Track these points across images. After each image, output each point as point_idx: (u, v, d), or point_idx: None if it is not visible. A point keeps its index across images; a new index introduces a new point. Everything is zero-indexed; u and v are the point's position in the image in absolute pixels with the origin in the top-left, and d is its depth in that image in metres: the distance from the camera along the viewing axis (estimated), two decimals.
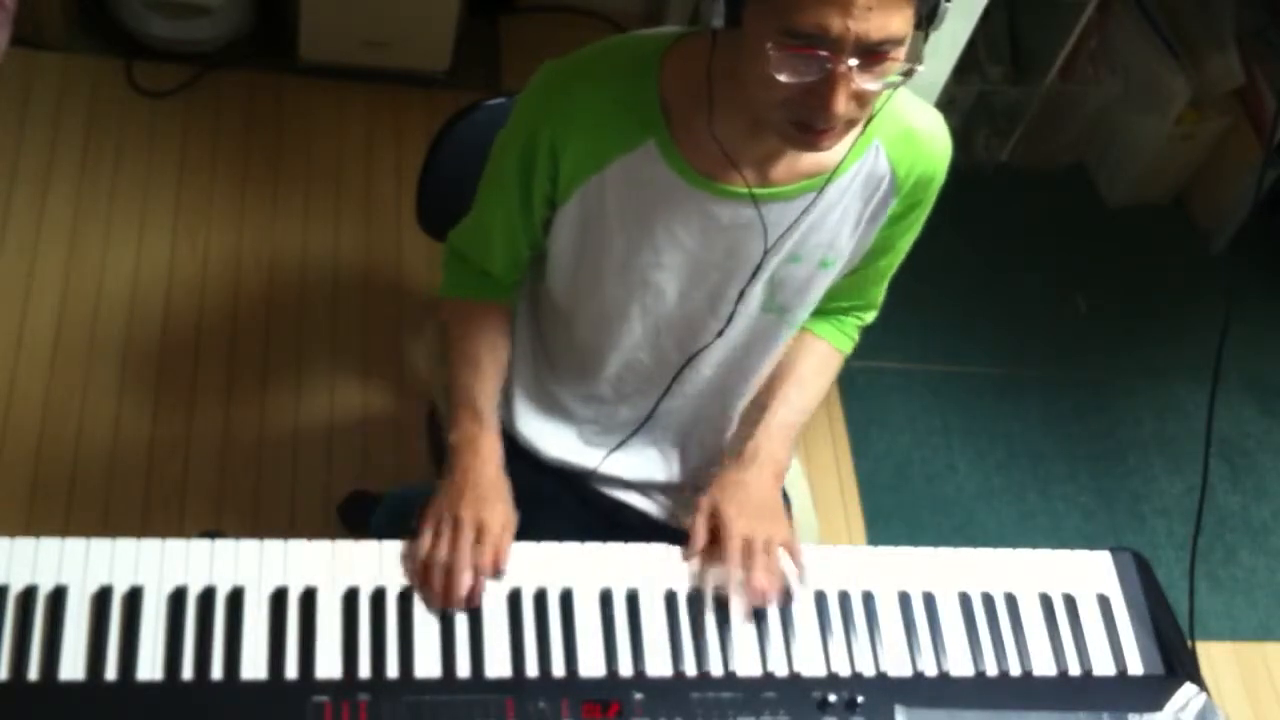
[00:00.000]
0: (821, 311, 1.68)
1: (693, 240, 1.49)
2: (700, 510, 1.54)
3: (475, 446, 1.55)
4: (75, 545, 1.37)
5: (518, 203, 1.52)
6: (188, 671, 1.32)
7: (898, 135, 1.48)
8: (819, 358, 1.69)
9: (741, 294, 1.54)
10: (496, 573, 1.45)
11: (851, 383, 2.87)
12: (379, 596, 1.41)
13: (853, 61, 1.23)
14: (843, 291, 1.66)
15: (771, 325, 1.62)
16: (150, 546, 1.39)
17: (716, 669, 1.44)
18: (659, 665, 1.43)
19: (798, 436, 1.66)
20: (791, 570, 1.52)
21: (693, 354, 1.63)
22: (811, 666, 1.47)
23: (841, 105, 1.26)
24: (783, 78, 1.24)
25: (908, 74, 1.27)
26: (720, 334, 1.59)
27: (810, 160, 1.44)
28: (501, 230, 1.57)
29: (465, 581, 1.42)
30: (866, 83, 1.25)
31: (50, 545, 1.37)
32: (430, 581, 1.43)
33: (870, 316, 1.73)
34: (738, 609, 1.48)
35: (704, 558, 1.51)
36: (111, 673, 1.31)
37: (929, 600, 1.55)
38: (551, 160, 1.46)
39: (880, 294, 1.70)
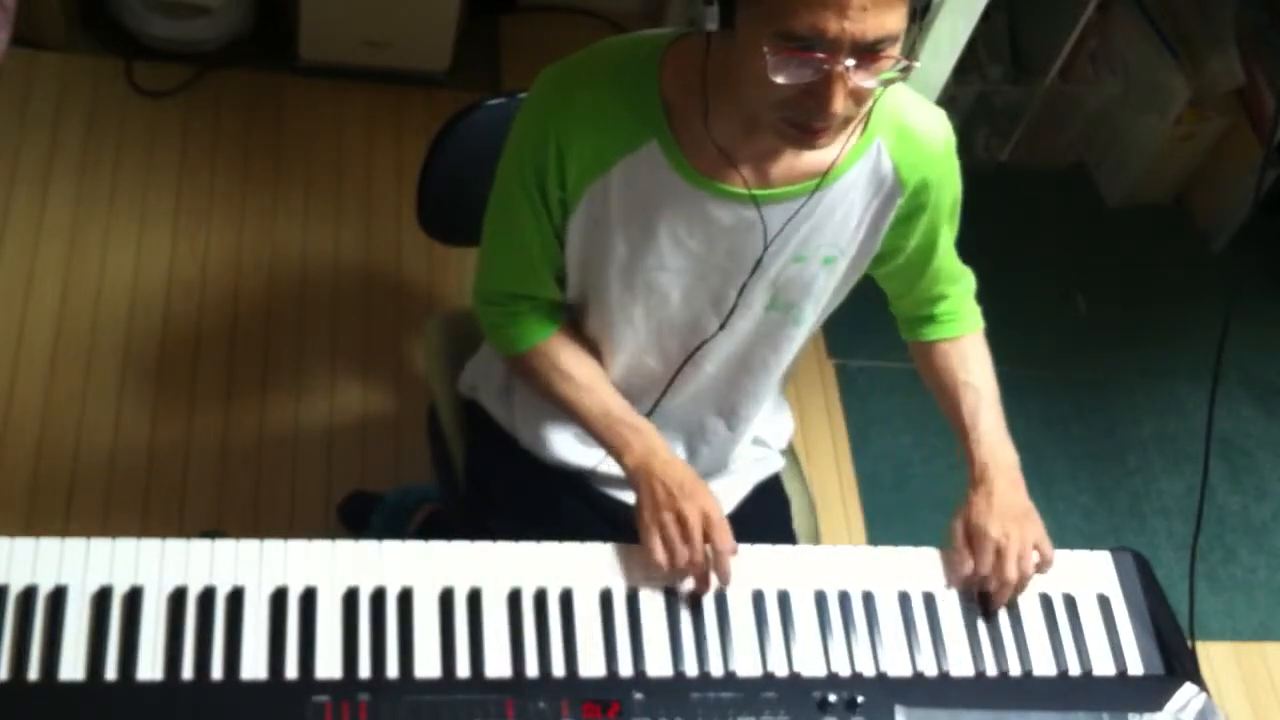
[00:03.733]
0: (930, 318, 1.72)
1: (694, 242, 1.49)
2: (956, 533, 1.58)
3: (655, 453, 1.55)
4: (75, 545, 1.37)
5: (541, 211, 1.51)
6: (188, 671, 1.32)
7: (899, 135, 1.48)
8: (967, 353, 1.72)
9: (742, 291, 1.54)
10: (733, 553, 1.48)
11: (851, 383, 2.87)
12: (379, 596, 1.41)
13: (849, 62, 1.23)
14: (926, 288, 1.69)
15: (777, 325, 1.62)
16: (150, 546, 1.39)
17: (716, 669, 1.44)
18: (659, 665, 1.43)
19: (1005, 430, 1.67)
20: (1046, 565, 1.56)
21: (692, 352, 1.62)
22: (811, 666, 1.47)
23: (839, 105, 1.26)
24: (779, 80, 1.24)
25: (905, 71, 1.27)
26: (721, 328, 1.59)
27: (809, 160, 1.44)
28: (538, 242, 1.54)
29: (712, 567, 1.46)
30: (863, 81, 1.25)
31: (50, 545, 1.37)
32: (688, 578, 1.47)
33: (971, 284, 1.76)
34: (996, 605, 1.54)
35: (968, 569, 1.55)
36: (111, 673, 1.31)
37: (929, 600, 1.55)
38: (560, 164, 1.46)
39: (961, 267, 1.73)
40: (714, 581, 1.47)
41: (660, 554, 1.46)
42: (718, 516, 1.49)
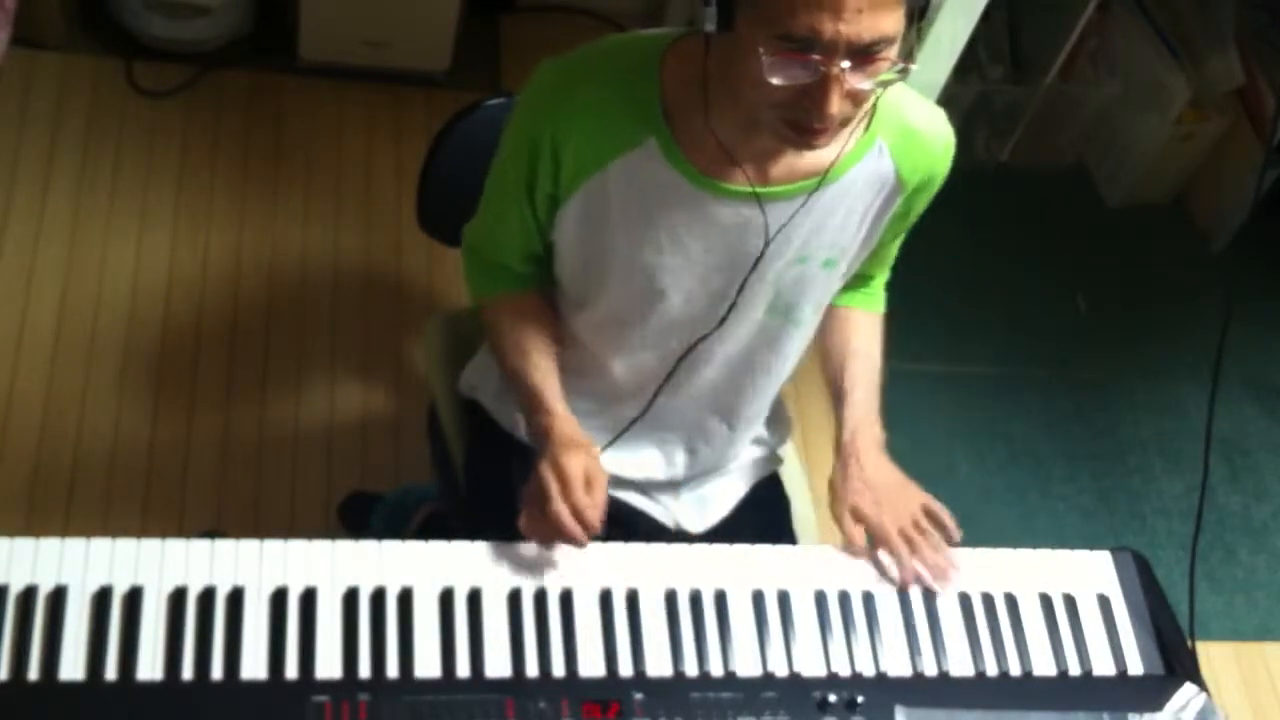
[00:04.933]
0: (849, 286, 1.70)
1: (695, 241, 1.49)
2: (844, 520, 1.59)
3: (553, 435, 1.55)
4: (75, 545, 1.37)
5: (526, 202, 1.53)
6: (188, 671, 1.32)
7: (900, 135, 1.48)
8: (865, 326, 1.72)
9: (742, 289, 1.54)
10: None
11: None
12: (379, 596, 1.41)
13: (845, 64, 1.24)
14: (862, 270, 1.69)
15: (777, 328, 1.62)
16: (150, 546, 1.39)
17: (716, 669, 1.44)
18: (659, 665, 1.43)
19: (878, 405, 1.69)
20: (948, 529, 1.58)
21: (690, 346, 1.62)
22: (811, 666, 1.47)
23: (835, 106, 1.26)
24: (776, 81, 1.25)
25: (902, 72, 1.27)
26: (720, 324, 1.59)
27: (810, 160, 1.44)
28: (513, 228, 1.57)
29: (585, 521, 1.46)
30: (859, 83, 1.26)
31: (50, 545, 1.37)
32: (551, 530, 1.46)
33: (887, 275, 1.76)
34: (936, 589, 1.55)
35: (873, 558, 1.56)
36: (111, 673, 1.31)
37: (929, 600, 1.55)
38: (553, 159, 1.46)
39: (891, 262, 1.73)
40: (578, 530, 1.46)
41: (553, 494, 1.46)
42: (599, 473, 1.51)
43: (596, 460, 1.53)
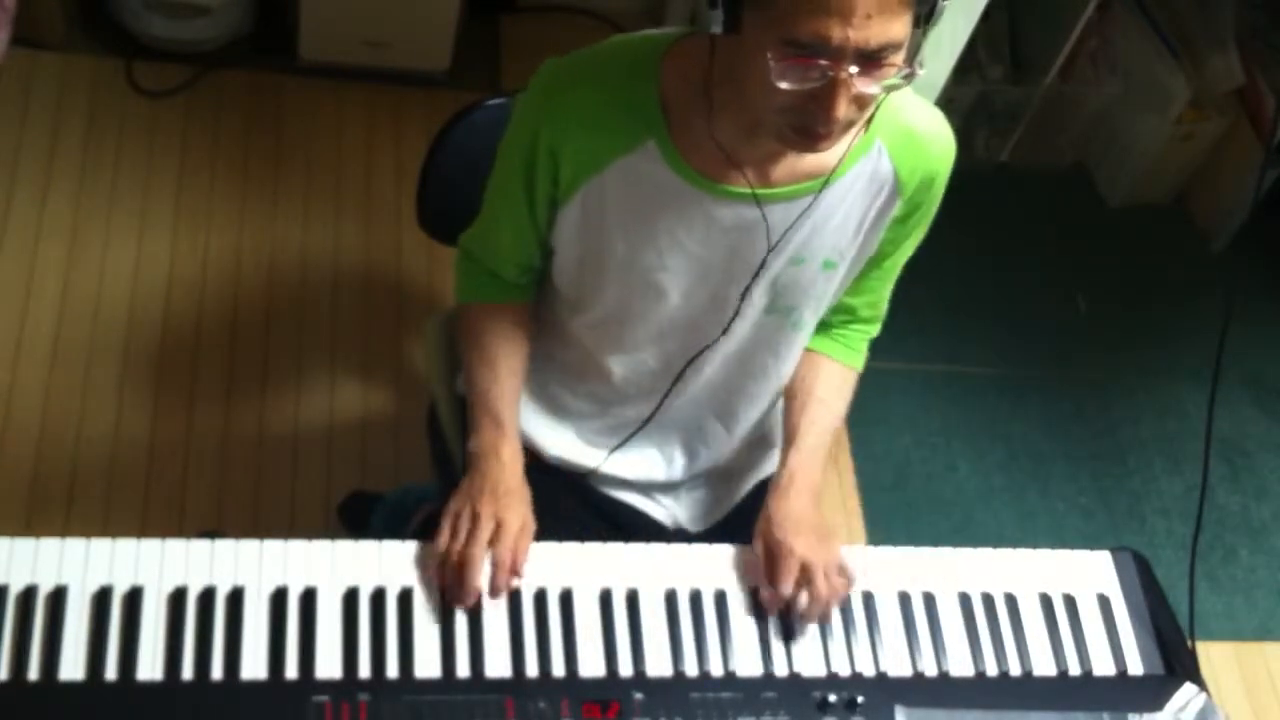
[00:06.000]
0: (826, 326, 1.68)
1: (695, 242, 1.49)
2: (755, 544, 1.55)
3: (497, 453, 1.55)
4: (75, 545, 1.37)
5: (524, 205, 1.52)
6: (188, 671, 1.32)
7: (900, 136, 1.48)
8: (834, 377, 1.69)
9: (744, 294, 1.54)
10: (514, 573, 1.45)
11: None
12: (379, 596, 1.41)
13: (853, 69, 1.23)
14: (847, 297, 1.66)
15: (776, 327, 1.62)
16: (150, 546, 1.39)
17: (716, 669, 1.44)
18: (659, 665, 1.43)
19: (827, 456, 1.66)
20: (846, 580, 1.53)
21: (695, 354, 1.63)
22: (811, 666, 1.47)
23: (842, 110, 1.26)
24: (784, 85, 1.25)
25: (909, 77, 1.27)
26: (723, 333, 1.59)
27: (811, 161, 1.44)
28: (511, 232, 1.57)
29: (478, 574, 1.42)
30: (867, 87, 1.26)
31: (50, 545, 1.37)
32: (445, 576, 1.43)
33: (875, 330, 1.72)
34: (807, 619, 1.50)
35: (764, 581, 1.52)
36: (111, 673, 1.31)
37: (929, 600, 1.55)
38: (552, 161, 1.46)
39: (884, 303, 1.70)
40: (472, 585, 1.42)
41: (440, 542, 1.45)
42: (514, 530, 1.47)
43: (531, 514, 1.52)
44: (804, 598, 1.50)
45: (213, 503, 2.39)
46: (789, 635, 1.48)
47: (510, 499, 1.50)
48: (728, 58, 1.34)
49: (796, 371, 1.69)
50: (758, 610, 1.49)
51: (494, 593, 1.44)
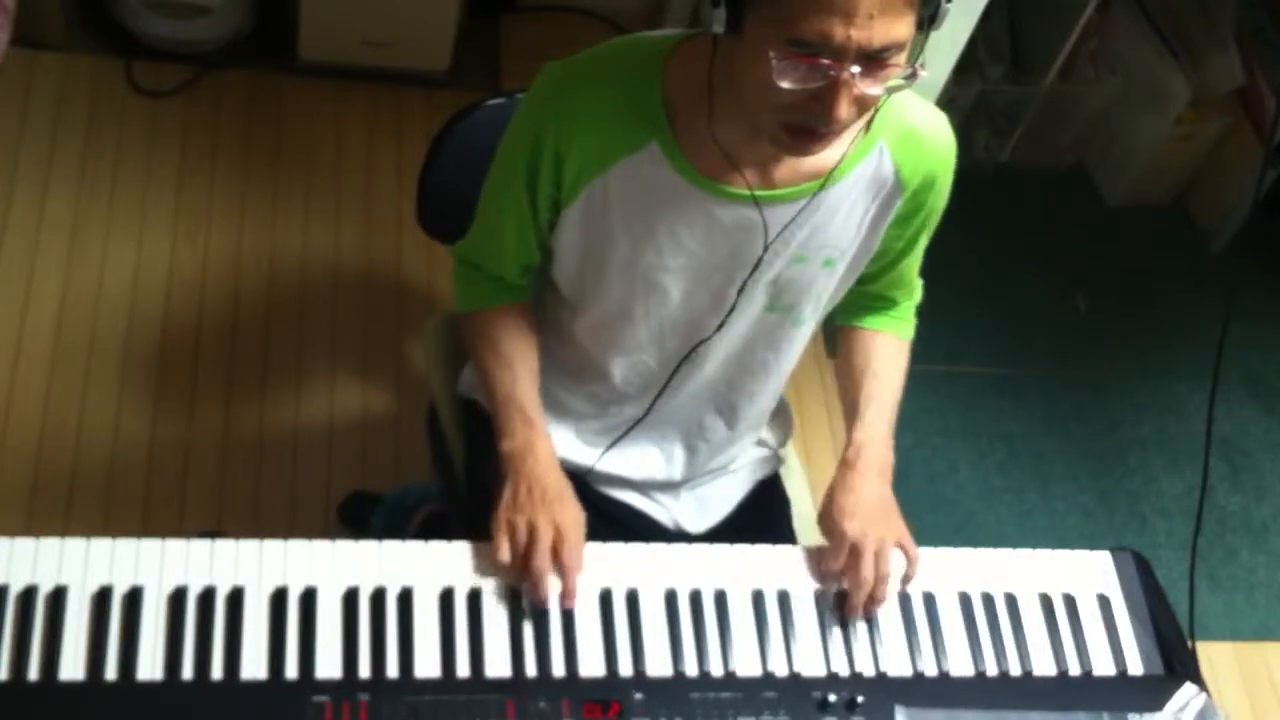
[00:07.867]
0: (870, 308, 1.71)
1: (696, 242, 1.50)
2: (820, 523, 1.56)
3: (534, 451, 1.55)
4: (75, 545, 1.37)
5: (526, 206, 1.52)
6: (188, 671, 1.32)
7: (901, 136, 1.48)
8: (890, 349, 1.71)
9: (742, 290, 1.54)
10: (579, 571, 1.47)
11: None
12: (379, 596, 1.41)
13: (855, 69, 1.23)
14: (881, 288, 1.68)
15: (776, 325, 1.62)
16: (150, 546, 1.39)
17: (716, 669, 1.44)
18: (659, 665, 1.43)
19: (893, 431, 1.67)
20: (899, 568, 1.54)
21: (691, 349, 1.62)
22: (811, 666, 1.47)
23: (844, 111, 1.26)
24: (786, 85, 1.25)
25: (910, 77, 1.27)
26: (720, 328, 1.59)
27: (812, 162, 1.44)
28: (514, 234, 1.56)
29: (547, 586, 1.44)
30: (869, 88, 1.26)
31: (50, 545, 1.37)
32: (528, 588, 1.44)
33: (917, 297, 1.75)
34: (853, 607, 1.50)
35: (821, 565, 1.53)
36: (111, 673, 1.31)
37: (929, 600, 1.55)
38: (555, 163, 1.46)
39: (917, 279, 1.72)
40: (555, 596, 1.44)
41: (505, 554, 1.45)
42: (573, 533, 1.48)
43: (580, 507, 1.52)
44: (848, 580, 1.51)
45: (213, 503, 2.39)
46: (789, 635, 1.48)
47: (561, 501, 1.51)
48: (730, 58, 1.34)
49: (849, 350, 1.71)
50: (758, 610, 1.49)
51: (566, 599, 1.45)
